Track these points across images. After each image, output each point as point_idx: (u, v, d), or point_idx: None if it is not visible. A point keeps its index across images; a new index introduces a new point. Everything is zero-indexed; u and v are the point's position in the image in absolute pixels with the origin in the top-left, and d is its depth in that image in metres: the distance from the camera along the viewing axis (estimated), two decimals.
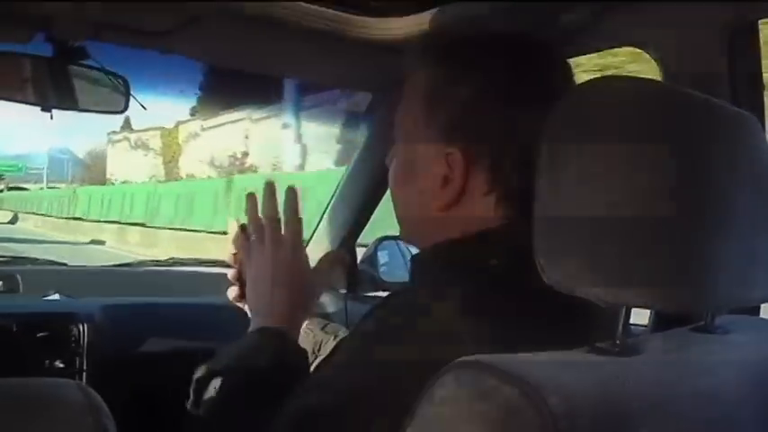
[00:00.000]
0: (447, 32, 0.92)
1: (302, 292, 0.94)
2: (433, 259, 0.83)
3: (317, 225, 1.77)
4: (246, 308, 1.03)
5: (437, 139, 0.80)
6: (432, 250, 0.84)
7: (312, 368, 1.05)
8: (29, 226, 26.04)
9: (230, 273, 1.04)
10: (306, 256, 0.96)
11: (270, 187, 0.96)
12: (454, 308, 0.69)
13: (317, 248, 1.75)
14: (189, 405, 0.84)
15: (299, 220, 0.95)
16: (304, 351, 0.91)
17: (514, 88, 0.78)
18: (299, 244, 0.95)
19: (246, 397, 0.81)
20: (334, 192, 1.74)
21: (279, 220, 0.94)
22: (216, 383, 0.82)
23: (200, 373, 0.84)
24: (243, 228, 1.00)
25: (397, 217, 0.90)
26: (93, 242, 17.43)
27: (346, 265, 1.03)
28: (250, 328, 0.91)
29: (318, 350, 1.08)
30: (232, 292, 1.05)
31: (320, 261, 1.01)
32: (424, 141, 0.82)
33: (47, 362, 1.39)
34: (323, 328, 1.11)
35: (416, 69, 0.85)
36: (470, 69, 0.80)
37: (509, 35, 0.83)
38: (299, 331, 0.95)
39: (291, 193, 0.95)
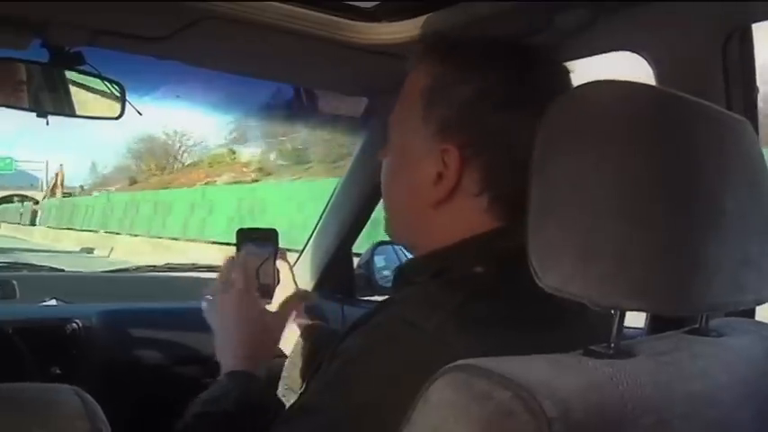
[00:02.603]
0: (445, 35, 0.92)
1: (265, 335, 0.99)
2: (417, 270, 0.83)
3: (313, 231, 1.77)
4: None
5: (433, 135, 0.80)
6: (415, 262, 0.86)
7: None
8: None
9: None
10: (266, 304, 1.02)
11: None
12: (442, 319, 0.68)
13: (313, 254, 1.75)
14: None
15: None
16: (270, 390, 0.96)
17: (513, 91, 0.79)
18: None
19: None
20: (330, 197, 1.74)
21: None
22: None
23: (177, 426, 0.86)
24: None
25: (387, 214, 0.91)
26: (83, 250, 17.23)
27: (309, 300, 1.10)
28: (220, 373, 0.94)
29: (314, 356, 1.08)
30: None
31: (281, 304, 1.05)
32: (421, 137, 0.82)
33: (44, 367, 1.39)
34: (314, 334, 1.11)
35: (416, 68, 0.85)
36: (470, 70, 0.80)
37: (509, 39, 0.84)
38: (262, 371, 0.98)
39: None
